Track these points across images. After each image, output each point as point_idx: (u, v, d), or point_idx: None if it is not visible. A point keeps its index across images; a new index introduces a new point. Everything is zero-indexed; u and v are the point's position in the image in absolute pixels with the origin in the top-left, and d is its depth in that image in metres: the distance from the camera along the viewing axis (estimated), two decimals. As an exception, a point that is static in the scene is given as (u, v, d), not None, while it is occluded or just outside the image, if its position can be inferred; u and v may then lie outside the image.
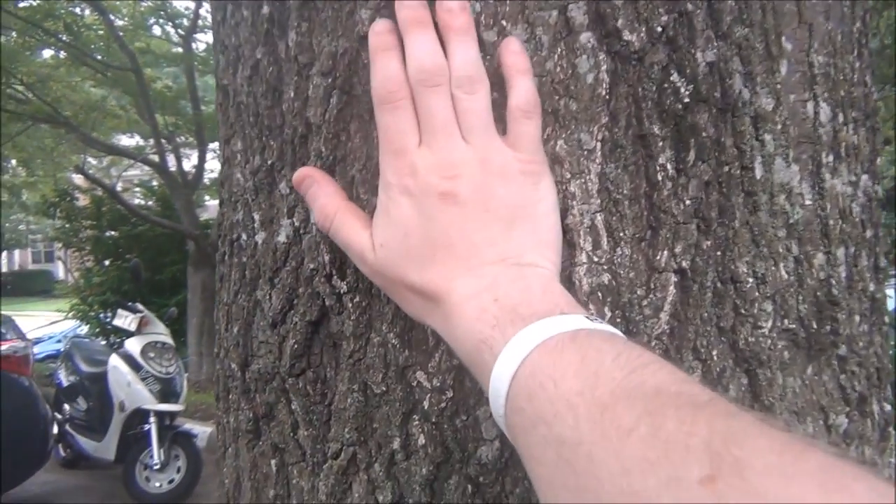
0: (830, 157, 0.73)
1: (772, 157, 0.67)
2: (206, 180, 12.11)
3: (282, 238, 0.70)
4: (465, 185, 0.54)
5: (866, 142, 0.80)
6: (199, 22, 10.43)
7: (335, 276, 0.65)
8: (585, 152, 0.60)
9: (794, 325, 0.67)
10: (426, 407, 0.62)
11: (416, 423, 0.62)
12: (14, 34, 9.87)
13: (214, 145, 11.88)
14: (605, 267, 0.60)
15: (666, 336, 0.60)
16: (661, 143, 0.61)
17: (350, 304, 0.64)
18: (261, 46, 0.71)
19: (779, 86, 0.68)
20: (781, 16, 0.70)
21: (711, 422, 0.37)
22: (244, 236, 0.75)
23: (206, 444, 6.97)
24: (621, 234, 0.60)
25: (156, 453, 5.62)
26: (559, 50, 0.60)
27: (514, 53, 0.57)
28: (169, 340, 6.27)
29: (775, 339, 0.65)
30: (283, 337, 0.69)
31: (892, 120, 9.18)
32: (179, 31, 10.63)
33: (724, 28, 0.64)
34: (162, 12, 10.71)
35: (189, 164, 11.53)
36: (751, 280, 0.64)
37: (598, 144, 0.60)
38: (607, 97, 0.60)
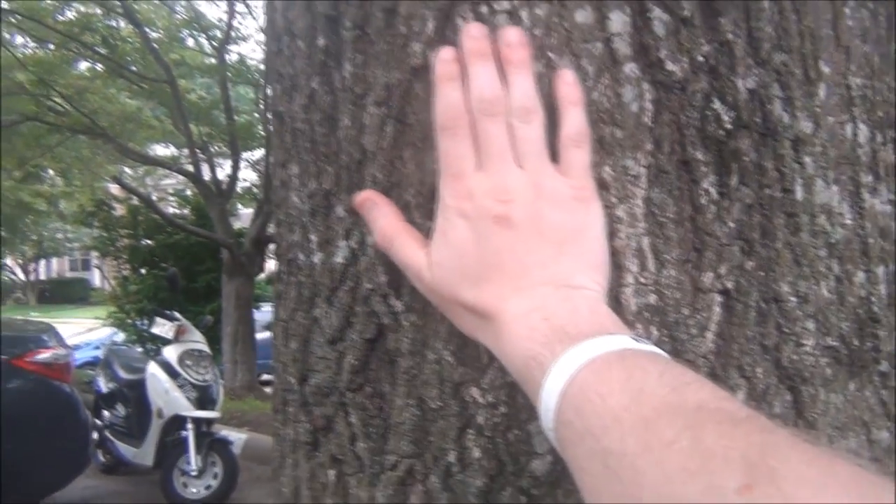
0: (869, 177, 0.75)
1: (812, 178, 0.69)
2: (238, 189, 12.29)
3: (339, 259, 0.73)
4: (519, 209, 0.58)
5: (905, 160, 0.81)
6: (232, 33, 10.61)
7: (391, 296, 0.68)
8: (631, 178, 0.63)
9: (836, 343, 0.69)
10: (480, 421, 0.65)
11: (471, 436, 0.65)
12: (52, 47, 10.12)
13: (247, 154, 12.07)
14: (652, 288, 0.62)
15: (712, 354, 0.63)
16: (704, 168, 0.63)
17: (406, 323, 0.68)
18: (316, 76, 0.75)
19: (818, 109, 0.70)
20: (819, 40, 0.72)
21: (749, 435, 0.40)
22: (301, 256, 0.78)
23: (242, 451, 7.06)
24: (667, 257, 0.63)
25: (193, 459, 5.71)
26: (604, 80, 0.63)
27: (567, 85, 0.60)
28: (205, 348, 6.37)
29: (818, 357, 0.67)
30: (341, 353, 0.73)
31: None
32: (213, 42, 10.82)
33: (764, 55, 0.66)
34: (196, 24, 10.91)
35: (223, 174, 11.72)
36: (793, 299, 0.66)
37: (644, 170, 0.63)
38: (651, 125, 0.63)
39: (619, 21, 0.62)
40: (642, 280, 0.62)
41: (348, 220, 0.72)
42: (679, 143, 0.63)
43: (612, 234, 0.62)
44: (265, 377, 13.83)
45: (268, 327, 14.81)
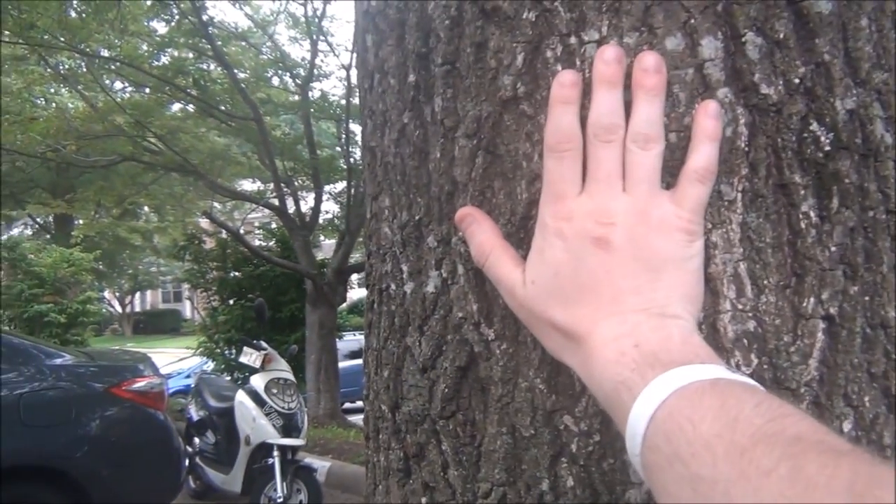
0: (981, 197, 0.71)
1: (918, 199, 0.66)
2: (321, 221, 12.60)
3: (430, 288, 0.74)
4: (619, 233, 0.57)
5: None
6: (315, 71, 10.96)
7: (483, 324, 0.69)
8: (726, 203, 0.62)
9: (950, 371, 0.65)
10: (574, 450, 0.64)
11: (565, 465, 0.65)
12: (148, 90, 10.69)
13: (329, 187, 12.37)
14: (750, 314, 0.61)
15: (815, 382, 0.61)
16: (803, 192, 0.62)
17: (498, 351, 0.68)
18: (407, 111, 0.77)
19: (922, 127, 0.68)
20: (922, 57, 0.70)
21: (854, 466, 0.38)
22: (393, 286, 0.80)
23: (326, 479, 7.15)
24: (765, 282, 0.61)
25: (279, 486, 5.81)
26: (696, 106, 0.62)
27: (709, 118, 0.60)
28: (290, 377, 6.51)
29: (931, 385, 0.64)
30: (433, 381, 0.74)
31: None
32: (297, 80, 11.21)
33: (863, 74, 0.65)
34: (281, 64, 11.33)
35: (306, 206, 12.05)
36: (902, 325, 0.63)
37: (739, 195, 0.62)
38: (746, 149, 0.62)
39: (710, 47, 0.62)
40: (740, 306, 0.61)
41: (439, 251, 0.74)
42: (776, 166, 0.62)
43: (707, 260, 0.61)
44: (348, 405, 14.01)
45: (350, 356, 15.05)
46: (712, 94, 0.62)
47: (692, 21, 0.63)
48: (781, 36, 0.62)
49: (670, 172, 0.62)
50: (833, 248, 0.62)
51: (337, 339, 11.49)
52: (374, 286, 0.85)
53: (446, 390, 0.72)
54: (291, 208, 11.33)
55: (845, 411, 0.61)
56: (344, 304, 12.47)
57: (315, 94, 11.47)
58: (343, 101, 11.11)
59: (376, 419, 0.83)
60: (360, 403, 14.97)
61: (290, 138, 11.79)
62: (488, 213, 0.69)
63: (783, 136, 0.62)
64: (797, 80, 0.62)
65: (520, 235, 0.67)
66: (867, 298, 0.63)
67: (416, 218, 0.76)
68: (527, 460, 0.67)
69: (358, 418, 12.21)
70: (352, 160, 11.07)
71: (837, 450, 0.41)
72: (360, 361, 15.33)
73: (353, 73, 11.91)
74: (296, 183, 11.95)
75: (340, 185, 12.51)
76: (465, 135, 0.70)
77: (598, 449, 0.64)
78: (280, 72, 11.76)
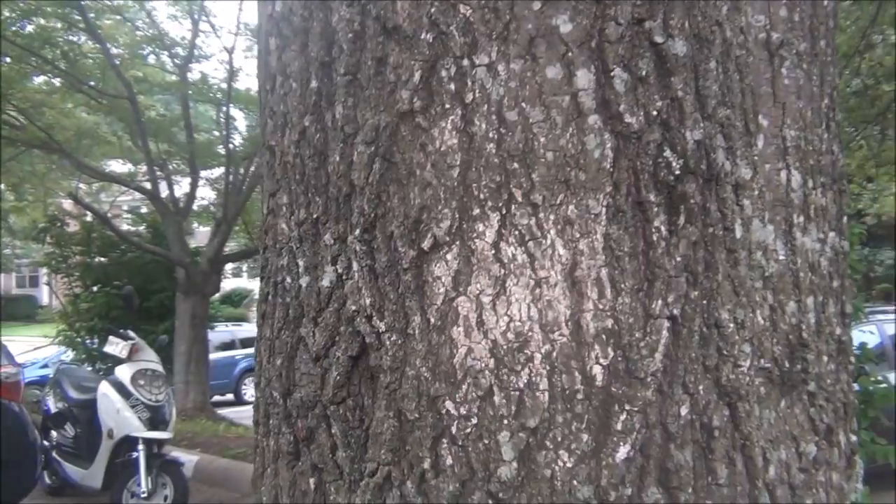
0: (801, 218, 0.84)
1: (750, 219, 0.78)
2: (196, 207, 12.18)
3: (325, 282, 0.80)
4: None
5: (833, 203, 0.91)
6: (195, 52, 10.58)
7: (375, 317, 0.75)
8: (592, 216, 0.71)
9: (769, 365, 0.78)
10: (454, 431, 0.71)
11: (445, 445, 0.72)
12: (9, 59, 9.96)
13: (206, 173, 11.98)
14: (609, 313, 0.70)
15: (660, 373, 0.71)
16: (656, 209, 0.72)
17: (388, 342, 0.74)
18: (309, 115, 0.82)
19: (756, 157, 0.80)
20: (758, 97, 0.82)
21: None
22: (288, 279, 0.85)
23: (193, 473, 6.95)
24: (622, 286, 0.71)
25: (143, 481, 5.60)
26: (571, 129, 0.71)
27: None
28: (159, 368, 6.28)
29: (753, 377, 0.76)
30: (325, 369, 0.79)
31: (874, 157, 9.47)
32: (175, 60, 10.77)
33: (710, 110, 0.75)
34: (158, 42, 10.86)
35: (180, 191, 11.61)
36: (732, 325, 0.74)
37: (603, 210, 0.71)
38: (611, 169, 0.71)
39: (584, 78, 0.71)
40: (601, 306, 0.70)
41: (335, 247, 0.79)
42: (635, 186, 0.72)
43: (574, 266, 0.70)
44: (217, 398, 13.61)
45: (222, 347, 14.63)
46: (584, 120, 0.71)
47: (570, 54, 0.71)
48: (644, 73, 0.72)
49: (547, 188, 0.70)
50: (678, 259, 0.72)
51: (209, 330, 11.15)
52: (269, 279, 0.89)
53: (338, 378, 0.77)
54: (165, 193, 10.88)
55: (683, 398, 0.72)
56: (217, 294, 12.09)
57: (195, 75, 11.06)
58: (224, 85, 10.79)
59: (267, 405, 0.88)
60: (230, 396, 14.58)
61: (166, 120, 11.31)
62: (383, 216, 0.75)
63: (642, 160, 0.72)
64: (655, 112, 0.72)
65: (412, 237, 0.73)
66: (705, 302, 0.73)
67: (314, 216, 0.81)
68: (411, 441, 0.73)
69: (228, 411, 11.91)
70: (231, 146, 10.76)
71: None
72: (232, 353, 14.94)
73: (236, 56, 11.59)
74: (170, 167, 11.49)
75: (218, 171, 12.14)
76: (364, 142, 0.76)
77: (476, 431, 0.71)
78: (157, 50, 11.25)
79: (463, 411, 0.71)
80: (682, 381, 0.72)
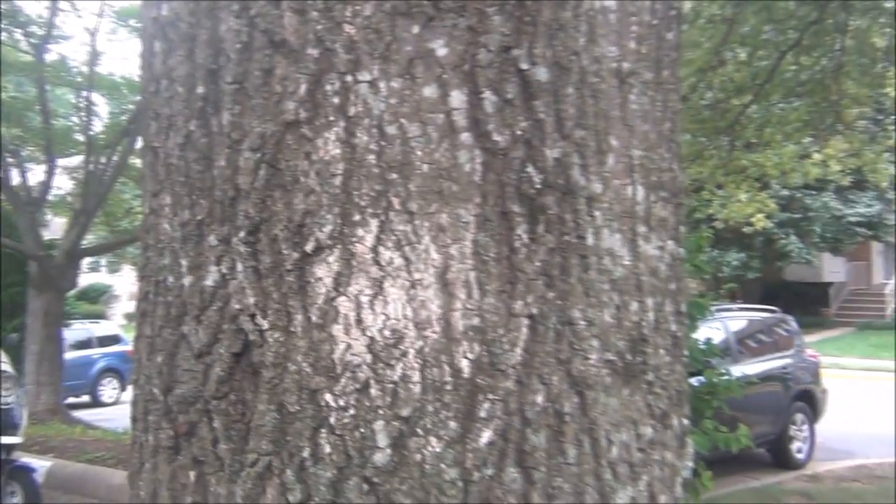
0: (644, 228, 0.96)
1: (600, 228, 0.88)
2: (51, 197, 11.44)
3: (209, 282, 0.83)
4: None
5: (672, 215, 1.03)
6: (53, 32, 9.94)
7: (258, 316, 0.79)
8: (463, 223, 0.78)
9: (614, 357, 0.88)
10: (332, 422, 0.77)
11: (324, 435, 0.77)
12: None
13: (64, 161, 11.27)
14: (476, 312, 0.78)
15: (519, 365, 0.79)
16: (519, 219, 0.80)
17: (271, 339, 0.79)
18: (194, 120, 0.84)
19: (607, 174, 0.90)
20: (609, 120, 0.92)
21: None
22: (171, 278, 0.87)
23: (46, 480, 6.56)
24: (488, 287, 0.79)
25: (-10, 489, 5.25)
26: (445, 144, 0.78)
27: None
28: (9, 368, 5.89)
29: (600, 368, 0.85)
30: (207, 366, 0.82)
31: (724, 166, 10.27)
32: (30, 39, 10.08)
33: (567, 131, 0.85)
34: (11, 18, 10.11)
35: (34, 180, 10.87)
36: (583, 322, 0.84)
37: (473, 218, 0.79)
38: (480, 182, 0.79)
39: (458, 98, 0.78)
40: (469, 306, 0.78)
41: (219, 248, 0.82)
42: (500, 197, 0.80)
43: (446, 269, 0.77)
44: (72, 399, 12.86)
45: (77, 346, 13.81)
46: (457, 137, 0.79)
47: (445, 76, 0.78)
48: (510, 96, 0.80)
49: (423, 197, 0.77)
50: (538, 263, 0.81)
51: (64, 328, 10.52)
52: (150, 278, 0.91)
53: (221, 373, 0.81)
54: (16, 181, 10.16)
55: (539, 388, 0.80)
56: (73, 290, 11.43)
57: (52, 57, 10.39)
58: (85, 69, 10.21)
59: (146, 402, 0.89)
60: (86, 398, 13.77)
61: (19, 102, 10.56)
62: (267, 220, 0.79)
63: (507, 175, 0.80)
64: (519, 132, 0.80)
65: (295, 240, 0.78)
66: (560, 302, 0.83)
67: (198, 218, 0.84)
68: (291, 432, 0.78)
69: (84, 413, 11.28)
70: (91, 133, 10.20)
71: None
72: (88, 352, 14.10)
73: (99, 38, 10.96)
74: (23, 153, 10.74)
75: (77, 160, 11.47)
76: (251, 148, 0.80)
77: (353, 420, 0.77)
78: (10, 27, 10.48)
79: (341, 403, 0.77)
80: (538, 372, 0.80)
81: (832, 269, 22.14)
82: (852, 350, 16.24)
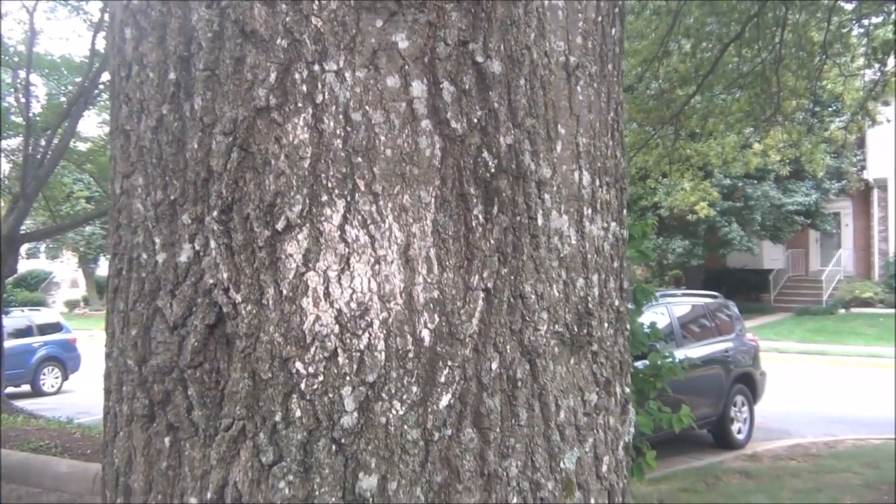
0: (590, 210, 1.03)
1: (549, 210, 0.95)
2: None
3: (183, 258, 0.87)
4: None
5: (615, 199, 1.11)
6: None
7: (231, 289, 0.84)
8: (423, 204, 0.85)
9: (562, 329, 0.96)
10: (303, 388, 0.82)
11: (295, 400, 0.83)
12: None
13: (2, 144, 10.94)
14: (436, 286, 0.85)
15: (476, 335, 0.86)
16: (475, 200, 0.87)
17: (244, 311, 0.84)
18: (167, 104, 0.88)
19: (555, 160, 0.97)
20: (558, 110, 0.99)
21: None
22: (144, 255, 0.91)
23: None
24: (447, 263, 0.85)
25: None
26: (406, 131, 0.84)
27: None
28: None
29: (549, 339, 0.93)
30: (182, 337, 0.87)
31: (668, 155, 10.54)
32: (-36, 17, 9.70)
33: (519, 119, 0.91)
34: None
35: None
36: (533, 296, 0.91)
37: (433, 200, 0.85)
38: (439, 166, 0.85)
39: (418, 88, 0.84)
40: (429, 280, 0.84)
41: (193, 227, 0.87)
42: (458, 180, 0.86)
43: (408, 246, 0.83)
44: (12, 389, 12.52)
45: (17, 334, 13.45)
46: (418, 123, 0.85)
47: (406, 67, 0.84)
48: (467, 87, 0.86)
49: (386, 180, 0.83)
50: (492, 241, 0.88)
51: (2, 316, 10.23)
52: (123, 255, 0.95)
53: (195, 344, 0.86)
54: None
55: (494, 355, 0.88)
56: (11, 277, 11.11)
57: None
58: (23, 48, 9.89)
59: (120, 373, 0.94)
60: (26, 388, 13.41)
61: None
62: (239, 200, 0.84)
63: (464, 160, 0.86)
64: (475, 120, 0.87)
65: (266, 219, 0.83)
66: (512, 277, 0.90)
67: (171, 197, 0.88)
68: (264, 398, 0.83)
69: (25, 403, 11.01)
70: (31, 114, 9.91)
71: None
72: (28, 340, 13.72)
73: (38, 17, 10.59)
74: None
75: (16, 141, 11.13)
76: (223, 132, 0.84)
77: (322, 386, 0.83)
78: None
79: (311, 370, 0.83)
80: (493, 341, 0.87)
81: (772, 256, 22.90)
82: (790, 334, 16.86)
